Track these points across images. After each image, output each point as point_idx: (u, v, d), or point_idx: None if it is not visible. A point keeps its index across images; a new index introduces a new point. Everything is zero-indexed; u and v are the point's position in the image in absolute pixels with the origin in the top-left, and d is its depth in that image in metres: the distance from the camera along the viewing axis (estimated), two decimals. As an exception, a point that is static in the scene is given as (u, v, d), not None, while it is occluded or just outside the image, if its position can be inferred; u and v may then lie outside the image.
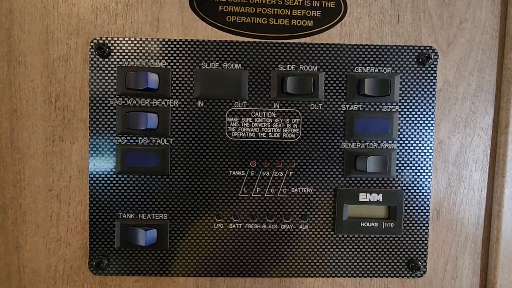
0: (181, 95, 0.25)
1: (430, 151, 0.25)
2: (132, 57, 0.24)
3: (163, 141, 0.25)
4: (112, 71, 0.24)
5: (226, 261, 0.25)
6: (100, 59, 0.24)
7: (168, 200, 0.25)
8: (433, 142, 0.25)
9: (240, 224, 0.25)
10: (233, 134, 0.25)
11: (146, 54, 0.24)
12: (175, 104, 0.25)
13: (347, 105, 0.25)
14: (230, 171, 0.25)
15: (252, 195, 0.25)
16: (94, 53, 0.24)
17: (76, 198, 0.25)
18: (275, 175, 0.25)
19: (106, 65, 0.24)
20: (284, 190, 0.25)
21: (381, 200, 0.25)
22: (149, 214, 0.25)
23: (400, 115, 0.25)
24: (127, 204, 0.25)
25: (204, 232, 0.25)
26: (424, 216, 0.26)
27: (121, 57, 0.24)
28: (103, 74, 0.24)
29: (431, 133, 0.25)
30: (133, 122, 0.24)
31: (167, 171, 0.25)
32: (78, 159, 0.25)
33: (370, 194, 0.25)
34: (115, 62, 0.24)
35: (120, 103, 0.24)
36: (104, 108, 0.24)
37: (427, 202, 0.26)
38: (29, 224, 0.25)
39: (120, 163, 0.24)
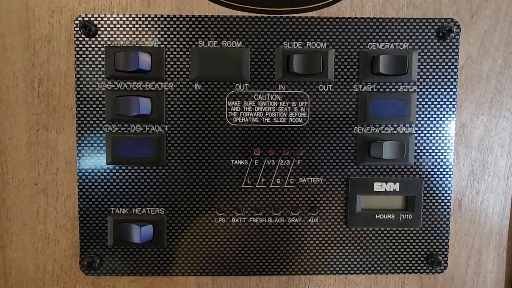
0: (176, 77, 0.22)
1: (452, 135, 0.23)
2: (121, 35, 0.22)
3: (157, 129, 0.22)
4: (99, 52, 0.22)
5: (229, 259, 0.23)
6: (86, 39, 0.22)
7: (164, 193, 0.23)
8: (454, 126, 0.23)
9: (244, 218, 0.23)
10: (235, 119, 0.23)
11: (137, 33, 0.22)
12: (170, 87, 0.22)
13: (360, 86, 0.23)
14: (232, 161, 0.23)
15: (256, 186, 0.23)
16: (79, 32, 0.22)
17: (64, 192, 0.23)
18: (281, 164, 0.23)
19: (93, 45, 0.22)
20: (291, 181, 0.23)
21: (398, 189, 0.23)
22: (144, 209, 0.23)
23: (418, 96, 0.23)
24: (120, 198, 0.23)
25: (204, 227, 0.23)
26: (445, 207, 0.23)
27: (109, 36, 0.22)
28: (90, 55, 0.22)
29: (452, 115, 0.23)
30: (123, 107, 0.22)
31: (162, 161, 0.22)
32: (65, 150, 0.23)
33: (386, 184, 0.23)
34: (102, 42, 0.22)
35: (109, 87, 0.22)
36: (91, 93, 0.22)
37: (448, 192, 0.23)
38: (14, 222, 0.23)
39: (111, 153, 0.22)
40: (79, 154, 0.22)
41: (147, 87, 0.22)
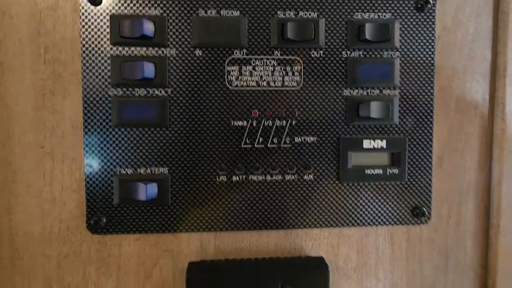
0: (178, 43, 0.24)
1: (432, 97, 0.25)
2: (126, 5, 0.23)
3: (160, 92, 0.24)
4: (104, 20, 0.23)
5: (230, 215, 0.25)
6: (92, 7, 0.23)
7: (168, 154, 0.24)
8: (434, 88, 0.25)
9: (244, 176, 0.25)
10: (234, 83, 0.24)
11: (140, 2, 0.23)
12: (172, 53, 0.24)
13: (348, 52, 0.25)
14: (232, 122, 0.24)
15: (255, 146, 0.24)
16: (84, 1, 0.23)
17: (70, 154, 0.24)
18: (277, 124, 0.25)
19: (98, 14, 0.23)
20: (288, 140, 0.25)
21: (384, 146, 0.25)
22: (148, 169, 0.24)
23: (401, 61, 0.25)
24: (125, 159, 0.24)
25: (206, 185, 0.24)
26: (427, 163, 0.26)
27: (113, 5, 0.23)
28: (95, 23, 0.23)
29: (431, 79, 0.25)
30: (129, 72, 0.23)
31: (166, 123, 0.24)
32: (71, 114, 0.24)
33: (374, 141, 0.25)
34: (107, 10, 0.23)
35: (114, 53, 0.23)
36: (97, 59, 0.23)
37: (430, 149, 0.26)
38: (20, 184, 0.24)
39: (117, 116, 0.23)
40: (85, 117, 0.23)
41: (151, 53, 0.24)
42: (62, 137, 0.24)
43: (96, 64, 0.23)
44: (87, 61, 0.23)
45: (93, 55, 0.23)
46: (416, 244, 0.26)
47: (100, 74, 0.23)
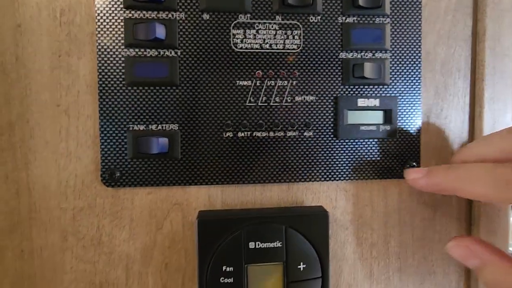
0: (187, 7, 0.25)
1: (419, 60, 0.28)
2: (137, -29, 0.25)
3: (171, 53, 0.25)
4: (117, -15, 0.25)
5: (236, 169, 0.26)
6: (105, -27, 0.25)
7: (178, 111, 0.26)
8: (421, 52, 0.28)
9: (248, 133, 0.26)
10: (239, 45, 0.26)
11: (151, -31, 0.25)
12: (182, 16, 0.25)
13: (343, 18, 0.27)
14: (237, 81, 0.26)
15: (259, 104, 0.26)
16: (99, -33, 0.25)
17: (85, 112, 0.25)
18: (279, 84, 0.27)
19: (112, -21, 0.25)
20: (289, 99, 0.27)
21: (378, 105, 0.27)
22: (160, 125, 0.26)
23: (391, 27, 0.27)
24: (138, 115, 0.25)
25: (214, 141, 0.26)
26: (417, 121, 0.28)
27: (126, -29, 0.25)
28: (109, -12, 0.25)
29: (419, 43, 0.28)
30: (141, 32, 0.24)
31: (176, 81, 0.25)
32: (86, 73, 0.25)
33: (368, 99, 0.27)
34: (120, -24, 0.25)
35: (127, 15, 0.25)
36: (111, 21, 0.25)
37: (418, 108, 0.28)
38: (37, 140, 0.25)
39: (129, 75, 0.25)
40: (99, 77, 0.25)
41: (161, 16, 0.25)
42: (77, 95, 0.25)
43: (110, 26, 0.25)
44: (101, 23, 0.25)
45: (107, 17, 0.25)
46: (407, 197, 0.29)
47: (113, 35, 0.25)
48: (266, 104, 0.26)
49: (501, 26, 0.28)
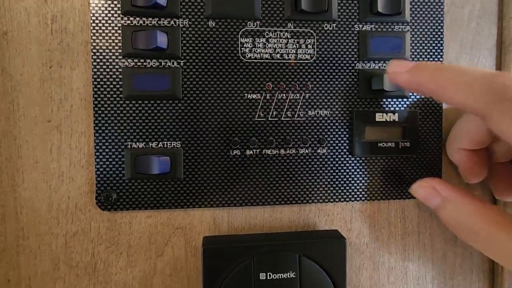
0: (191, 14, 0.23)
1: (441, 71, 0.26)
2: (136, -26, 0.23)
3: (173, 64, 0.23)
4: (114, -11, 0.23)
5: (244, 190, 0.24)
6: (101, -24, 0.23)
7: (180, 127, 0.23)
8: (443, 63, 0.26)
9: (258, 150, 0.24)
10: (247, 55, 0.24)
11: (152, -29, 0.23)
12: (185, 24, 0.23)
13: (360, 25, 0.25)
14: (246, 94, 0.24)
15: (269, 119, 0.24)
16: (94, -31, 0.23)
17: (78, 129, 0.23)
18: (291, 97, 0.24)
19: (108, -17, 0.23)
20: (301, 113, 0.24)
21: (397, 119, 0.25)
22: (160, 143, 0.23)
23: (411, 35, 0.25)
24: (136, 132, 0.23)
25: (220, 159, 0.24)
26: (438, 137, 0.26)
27: (124, -26, 0.23)
28: (105, -7, 0.23)
29: (440, 53, 0.26)
30: (141, 41, 0.22)
31: (178, 95, 0.23)
32: (79, 87, 0.23)
33: (386, 114, 0.25)
34: (117, -20, 0.23)
35: (125, 22, 0.23)
36: (107, 28, 0.23)
37: (440, 123, 0.26)
38: (26, 160, 0.23)
39: (128, 88, 0.23)
40: (95, 90, 0.23)
41: (163, 23, 0.23)
42: (70, 110, 0.23)
43: (106, 34, 0.23)
44: (96, 31, 0.23)
45: (103, 24, 0.23)
46: (427, 218, 0.27)
47: (110, 44, 0.23)
48: (276, 119, 0.24)
49: (528, 34, 0.26)
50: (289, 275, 0.22)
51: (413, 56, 0.25)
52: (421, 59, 0.26)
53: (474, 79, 0.18)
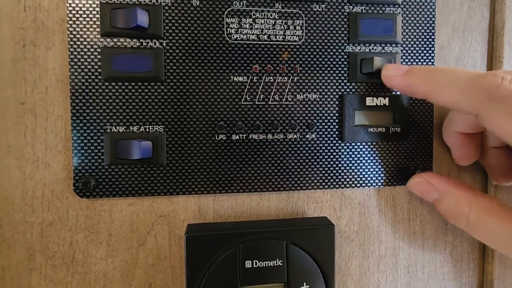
0: (174, -8, 0.22)
1: (432, 54, 0.25)
2: None
3: (155, 44, 0.22)
4: (92, -36, 0.21)
5: (230, 176, 0.23)
6: (78, -50, 0.21)
7: (163, 110, 0.22)
8: (435, 47, 0.25)
9: (244, 135, 0.23)
10: (233, 36, 0.23)
11: None
12: (168, 2, 0.22)
13: (351, 7, 0.24)
14: (231, 77, 0.23)
15: (256, 102, 0.23)
16: None
17: (55, 112, 0.22)
18: (279, 80, 0.24)
19: (85, -43, 0.21)
20: (289, 97, 0.24)
21: (387, 104, 0.24)
22: (142, 126, 0.22)
23: (402, 18, 0.25)
24: (117, 115, 0.22)
25: (205, 144, 0.23)
26: (429, 123, 0.25)
27: None
28: (82, -32, 0.21)
29: (432, 37, 0.25)
30: (120, 19, 0.21)
31: (161, 77, 0.22)
32: (55, 67, 0.22)
33: (377, 98, 0.24)
34: (95, -46, 0.21)
35: (103, 0, 0.21)
36: (84, 6, 0.21)
37: (431, 108, 0.25)
38: (-2, 144, 0.21)
39: (107, 69, 0.22)
40: (72, 70, 0.22)
41: (144, 1, 0.22)
42: (45, 92, 0.22)
43: (84, 12, 0.21)
44: (73, 8, 0.21)
45: (80, 1, 0.21)
46: (417, 205, 0.26)
47: (88, 23, 0.21)
48: (264, 102, 0.23)
49: (520, 19, 0.26)
50: (276, 263, 0.21)
51: (404, 39, 0.25)
52: (412, 42, 0.25)
53: (465, 80, 0.18)
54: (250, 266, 0.21)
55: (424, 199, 0.24)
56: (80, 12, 0.21)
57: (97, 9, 0.21)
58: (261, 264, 0.21)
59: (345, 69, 0.24)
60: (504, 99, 0.17)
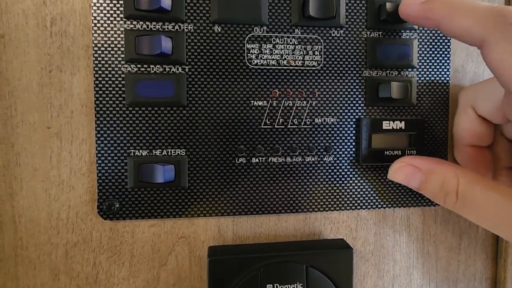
0: (196, 19, 0.23)
1: (448, 78, 0.26)
2: (140, -24, 0.22)
3: (178, 69, 0.23)
4: (117, -8, 0.22)
5: (249, 198, 0.24)
6: (103, -22, 0.22)
7: (185, 134, 0.23)
8: (450, 70, 0.26)
9: (263, 158, 0.24)
10: (254, 61, 0.23)
11: (156, -26, 0.22)
12: (190, 28, 0.23)
13: (368, 32, 0.24)
14: (252, 101, 0.23)
15: (275, 126, 0.24)
16: (96, -29, 0.22)
17: (79, 136, 0.22)
18: (298, 105, 0.24)
19: (110, -15, 0.22)
20: (308, 121, 0.24)
21: (403, 127, 0.25)
22: (164, 150, 0.23)
23: (418, 43, 0.25)
24: (140, 139, 0.23)
25: (225, 167, 0.23)
26: (443, 144, 0.26)
27: (127, -24, 0.22)
28: (107, -5, 0.22)
29: (448, 61, 0.26)
30: (145, 46, 0.22)
31: (183, 101, 0.23)
32: (80, 92, 0.22)
33: (393, 122, 0.25)
34: (120, -18, 0.22)
35: (128, 27, 0.22)
36: (109, 32, 0.22)
37: (446, 131, 0.26)
38: (24, 167, 0.22)
39: (131, 94, 0.22)
40: (96, 95, 0.22)
41: (167, 27, 0.22)
42: (70, 116, 0.22)
43: (109, 38, 0.22)
44: (98, 35, 0.22)
45: (105, 28, 0.22)
46: (431, 225, 0.27)
47: (113, 49, 0.22)
48: (283, 126, 0.24)
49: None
50: (297, 286, 0.21)
51: (420, 64, 0.25)
52: (428, 66, 0.25)
53: (482, 8, 0.18)
54: (271, 289, 0.21)
55: (410, 186, 0.22)
56: (105, 38, 0.22)
57: (122, 35, 0.22)
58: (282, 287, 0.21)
59: (362, 93, 0.25)
60: None
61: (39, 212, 0.22)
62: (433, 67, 0.25)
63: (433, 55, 0.25)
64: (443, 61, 0.25)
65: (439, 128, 0.26)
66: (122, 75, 0.22)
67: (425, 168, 0.21)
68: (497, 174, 0.25)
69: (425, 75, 0.25)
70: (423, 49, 0.25)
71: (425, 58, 0.25)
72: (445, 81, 0.26)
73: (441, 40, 0.25)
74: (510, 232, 0.19)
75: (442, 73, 0.26)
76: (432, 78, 0.25)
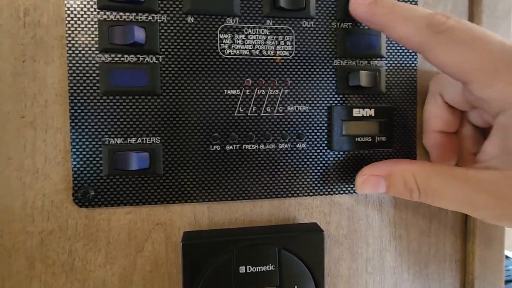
0: (170, 10, 0.23)
1: (415, 68, 0.27)
2: (113, -32, 0.22)
3: (151, 59, 0.23)
4: (90, -18, 0.22)
5: (224, 185, 0.24)
6: (76, -31, 0.22)
7: (160, 123, 0.23)
8: (417, 60, 0.27)
9: (238, 146, 0.24)
10: (227, 51, 0.24)
11: (129, -35, 0.23)
12: (164, 19, 0.23)
13: (338, 23, 0.25)
14: (225, 90, 0.24)
15: (248, 114, 0.24)
16: (68, -38, 0.22)
17: (54, 124, 0.23)
18: (270, 93, 0.25)
19: (84, -24, 0.22)
20: (280, 109, 0.25)
21: (373, 114, 0.26)
22: (139, 138, 0.23)
23: (386, 33, 0.26)
24: (114, 128, 0.23)
25: (200, 155, 0.24)
26: (412, 131, 0.27)
27: (100, -33, 0.22)
28: (80, -14, 0.22)
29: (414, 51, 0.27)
30: (118, 36, 0.22)
31: (157, 90, 0.23)
32: (54, 82, 0.22)
33: (363, 109, 0.26)
34: (93, -27, 0.22)
35: (101, 17, 0.22)
36: (83, 23, 0.22)
37: (414, 117, 0.27)
38: (-2, 156, 0.22)
39: (105, 83, 0.22)
40: (70, 85, 0.22)
41: (141, 18, 0.23)
42: (45, 106, 0.22)
43: (82, 29, 0.22)
44: (72, 25, 0.22)
45: (78, 19, 0.22)
46: (403, 210, 0.28)
47: (86, 39, 0.22)
48: (256, 114, 0.25)
49: (497, 33, 0.27)
50: (269, 267, 0.22)
51: (388, 53, 0.26)
52: (396, 56, 0.26)
53: (418, 16, 0.21)
54: (244, 271, 0.22)
55: (379, 193, 0.24)
56: (79, 29, 0.22)
57: (95, 26, 0.22)
58: (254, 269, 0.22)
59: (333, 82, 0.25)
60: (447, 33, 0.19)
61: (14, 200, 0.22)
62: (401, 56, 0.26)
63: (400, 45, 0.26)
64: (410, 50, 0.27)
65: (408, 114, 0.27)
66: (96, 65, 0.22)
67: (385, 174, 0.23)
68: (462, 159, 0.26)
69: (393, 64, 0.26)
70: (391, 39, 0.26)
71: (393, 48, 0.26)
72: (412, 70, 0.27)
73: (408, 31, 0.26)
74: (473, 210, 0.20)
75: (410, 62, 0.27)
76: (400, 67, 0.26)
